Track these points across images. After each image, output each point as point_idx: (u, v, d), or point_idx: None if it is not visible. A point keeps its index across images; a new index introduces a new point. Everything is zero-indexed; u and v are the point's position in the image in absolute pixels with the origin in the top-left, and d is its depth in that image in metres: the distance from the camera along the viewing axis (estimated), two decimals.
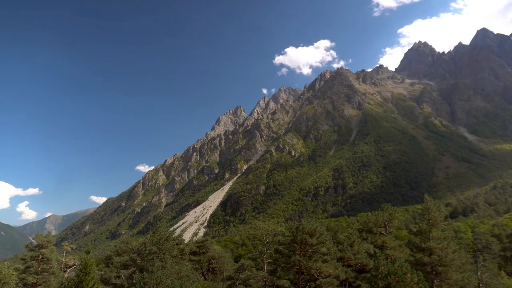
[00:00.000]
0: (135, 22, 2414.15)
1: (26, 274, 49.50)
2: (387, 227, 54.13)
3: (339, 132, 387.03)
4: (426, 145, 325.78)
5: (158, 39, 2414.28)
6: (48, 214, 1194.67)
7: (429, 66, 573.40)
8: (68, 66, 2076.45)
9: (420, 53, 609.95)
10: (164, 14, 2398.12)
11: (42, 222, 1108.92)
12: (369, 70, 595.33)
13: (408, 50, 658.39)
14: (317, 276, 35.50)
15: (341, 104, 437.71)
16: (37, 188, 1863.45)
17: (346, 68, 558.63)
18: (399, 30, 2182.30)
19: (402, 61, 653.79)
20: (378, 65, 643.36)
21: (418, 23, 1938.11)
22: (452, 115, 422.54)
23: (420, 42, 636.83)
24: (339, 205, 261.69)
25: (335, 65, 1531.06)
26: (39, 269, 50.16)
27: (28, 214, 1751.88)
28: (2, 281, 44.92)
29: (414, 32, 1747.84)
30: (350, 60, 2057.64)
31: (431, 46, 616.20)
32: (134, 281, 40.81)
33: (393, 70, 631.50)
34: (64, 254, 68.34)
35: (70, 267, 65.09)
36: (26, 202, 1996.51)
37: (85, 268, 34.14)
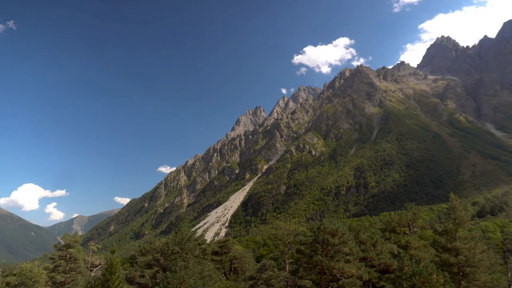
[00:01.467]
0: (155, 26, 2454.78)
1: (55, 273, 51.14)
2: (411, 226, 52.94)
3: (360, 131, 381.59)
4: (451, 142, 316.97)
5: (177, 42, 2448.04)
6: (75, 215, 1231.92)
7: (452, 61, 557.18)
8: (94, 71, 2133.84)
9: (443, 48, 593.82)
10: (182, 18, 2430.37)
11: (69, 223, 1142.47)
12: (390, 67, 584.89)
13: (431, 45, 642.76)
14: (340, 276, 35.13)
15: (361, 102, 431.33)
16: (64, 190, 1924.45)
17: (366, 66, 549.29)
18: (420, 26, 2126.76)
19: (424, 57, 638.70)
20: (399, 62, 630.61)
21: (440, 18, 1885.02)
22: (478, 111, 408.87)
23: (443, 36, 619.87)
24: (361, 204, 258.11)
25: (355, 63, 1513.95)
26: (67, 268, 51.73)
27: (56, 215, 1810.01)
28: (33, 279, 46.67)
29: (436, 27, 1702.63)
30: (370, 58, 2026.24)
31: (454, 40, 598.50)
32: (157, 281, 41.45)
33: (415, 66, 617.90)
34: (91, 253, 70.18)
35: (96, 266, 66.68)
36: (54, 204, 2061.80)
37: (110, 268, 34.97)
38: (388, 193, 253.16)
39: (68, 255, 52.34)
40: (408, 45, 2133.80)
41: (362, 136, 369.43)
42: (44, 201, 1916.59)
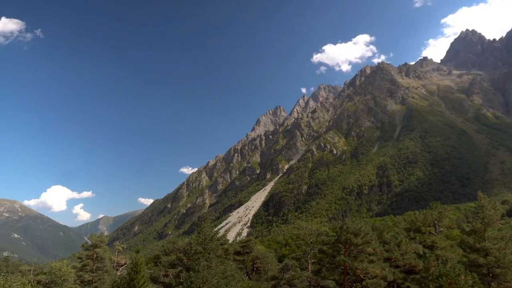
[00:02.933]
0: (174, 28, 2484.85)
1: (82, 272, 52.69)
2: (436, 226, 51.71)
3: (382, 129, 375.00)
4: (477, 139, 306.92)
5: (198, 44, 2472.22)
6: (101, 216, 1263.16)
7: (478, 55, 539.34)
8: (116, 75, 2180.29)
9: (468, 42, 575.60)
10: (200, 19, 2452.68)
11: (95, 223, 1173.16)
12: (412, 63, 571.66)
13: (455, 39, 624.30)
14: (363, 276, 34.69)
15: (383, 100, 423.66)
16: (90, 191, 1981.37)
17: (388, 63, 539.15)
18: (443, 20, 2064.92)
19: (448, 52, 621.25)
20: (421, 58, 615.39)
21: (464, 11, 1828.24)
22: (506, 106, 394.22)
23: (467, 30, 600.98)
24: (384, 203, 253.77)
25: (376, 60, 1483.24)
26: (94, 267, 53.20)
27: (83, 215, 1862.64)
28: (62, 278, 48.31)
29: (460, 21, 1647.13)
30: (392, 54, 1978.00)
31: (480, 33, 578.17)
32: (181, 280, 42.04)
33: (439, 61, 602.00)
34: (116, 253, 71.92)
35: (122, 265, 68.21)
36: (81, 205, 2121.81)
37: (135, 267, 35.72)
38: (412, 192, 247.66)
39: (95, 255, 53.81)
40: (430, 41, 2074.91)
41: (384, 134, 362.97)
42: (71, 202, 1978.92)
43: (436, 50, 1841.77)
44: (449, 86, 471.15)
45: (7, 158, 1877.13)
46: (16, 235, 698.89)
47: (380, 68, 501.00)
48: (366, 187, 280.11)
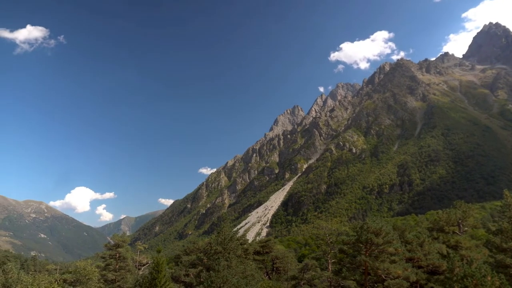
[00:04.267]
0: (188, 29, 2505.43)
1: (106, 271, 53.95)
2: (461, 225, 50.55)
3: (403, 126, 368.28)
4: (503, 135, 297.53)
5: (213, 44, 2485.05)
6: (123, 216, 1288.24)
7: (503, 49, 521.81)
8: (134, 77, 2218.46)
9: (491, 36, 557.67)
10: (215, 20, 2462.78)
11: (117, 223, 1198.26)
12: (433, 59, 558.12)
13: (477, 33, 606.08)
14: (385, 277, 34.18)
15: (403, 97, 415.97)
16: (113, 192, 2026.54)
17: (407, 59, 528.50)
18: (464, 14, 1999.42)
19: (470, 46, 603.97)
20: (442, 53, 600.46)
21: (485, 4, 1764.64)
22: None
23: (490, 23, 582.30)
24: (406, 202, 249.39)
25: (395, 57, 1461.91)
26: (117, 266, 54.35)
27: (105, 216, 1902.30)
28: (86, 277, 49.72)
29: (482, 15, 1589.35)
30: (411, 51, 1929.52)
31: (504, 26, 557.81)
32: (201, 280, 42.44)
33: (460, 56, 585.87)
34: (138, 253, 73.37)
35: (143, 265, 69.48)
36: (103, 205, 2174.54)
37: (157, 267, 36.34)
38: (435, 191, 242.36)
39: (117, 254, 54.95)
40: (451, 36, 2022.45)
41: (404, 132, 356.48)
42: (94, 203, 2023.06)
43: (457, 45, 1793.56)
44: (472, 81, 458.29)
45: (34, 161, 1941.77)
46: (42, 235, 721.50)
47: (399, 65, 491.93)
48: (387, 186, 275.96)
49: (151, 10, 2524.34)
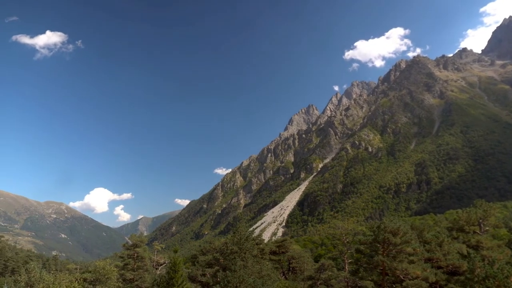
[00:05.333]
0: (202, 29, 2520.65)
1: (124, 270, 54.88)
2: (481, 225, 49.45)
3: (420, 124, 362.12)
4: None
5: (227, 43, 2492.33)
6: (140, 216, 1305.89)
7: None
8: (150, 78, 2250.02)
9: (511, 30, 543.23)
10: (229, 19, 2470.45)
11: (135, 224, 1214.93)
12: (450, 55, 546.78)
13: (497, 28, 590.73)
14: (403, 277, 33.79)
15: (420, 94, 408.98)
16: (130, 193, 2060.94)
17: (424, 56, 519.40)
18: (482, 9, 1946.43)
19: (489, 41, 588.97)
20: (460, 49, 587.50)
21: None
22: None
23: (510, 17, 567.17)
24: (424, 202, 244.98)
25: (411, 54, 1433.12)
26: (135, 266, 55.23)
27: (123, 216, 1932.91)
28: (106, 276, 50.74)
29: (501, 9, 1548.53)
30: (428, 47, 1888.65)
31: None
32: (218, 279, 42.75)
33: (479, 52, 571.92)
34: (155, 253, 74.35)
35: (161, 264, 70.29)
36: (121, 206, 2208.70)
37: (174, 266, 36.79)
38: (454, 190, 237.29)
39: (135, 254, 55.83)
40: (469, 31, 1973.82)
41: (422, 130, 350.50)
42: (112, 204, 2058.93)
43: (475, 40, 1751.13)
44: (491, 77, 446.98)
45: (54, 163, 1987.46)
46: (63, 235, 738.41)
47: (415, 62, 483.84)
48: (404, 185, 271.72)
49: (165, 10, 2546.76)
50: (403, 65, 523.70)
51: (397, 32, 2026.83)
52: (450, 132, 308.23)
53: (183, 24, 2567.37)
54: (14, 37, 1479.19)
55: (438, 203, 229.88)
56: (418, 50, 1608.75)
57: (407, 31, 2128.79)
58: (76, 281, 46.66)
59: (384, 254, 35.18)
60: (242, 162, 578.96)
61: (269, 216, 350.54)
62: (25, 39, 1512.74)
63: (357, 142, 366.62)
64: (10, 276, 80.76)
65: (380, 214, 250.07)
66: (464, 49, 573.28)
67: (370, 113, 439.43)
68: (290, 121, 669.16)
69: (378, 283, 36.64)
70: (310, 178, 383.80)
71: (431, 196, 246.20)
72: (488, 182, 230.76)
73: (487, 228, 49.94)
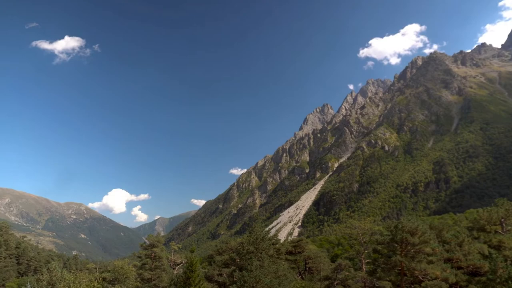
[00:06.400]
0: (216, 28, 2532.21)
1: (142, 270, 55.69)
2: (504, 224, 48.29)
3: (437, 122, 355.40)
4: None
5: (242, 44, 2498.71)
6: (157, 217, 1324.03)
7: None
8: (164, 80, 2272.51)
9: None
10: (244, 19, 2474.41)
11: (152, 224, 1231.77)
12: (469, 50, 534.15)
13: None
14: (422, 278, 33.27)
15: (437, 91, 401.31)
16: (147, 194, 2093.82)
17: (441, 52, 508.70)
18: (501, 3, 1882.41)
19: (509, 36, 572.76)
20: (479, 44, 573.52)
21: None
22: None
23: None
24: (443, 201, 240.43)
25: (427, 51, 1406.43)
26: (153, 266, 55.95)
27: (141, 217, 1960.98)
28: (124, 276, 51.75)
29: None
30: (445, 43, 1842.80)
31: None
32: (234, 279, 42.95)
33: (499, 47, 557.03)
34: (172, 252, 75.11)
35: (178, 264, 71.01)
36: (139, 207, 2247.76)
37: (191, 266, 37.18)
38: (474, 188, 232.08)
39: (153, 254, 56.54)
40: (487, 26, 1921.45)
41: (440, 128, 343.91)
42: (130, 204, 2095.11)
43: (495, 35, 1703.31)
44: None
45: (73, 165, 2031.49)
46: (82, 235, 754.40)
47: (432, 58, 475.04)
48: (422, 183, 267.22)
49: (179, 12, 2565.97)
50: (419, 62, 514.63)
51: (413, 29, 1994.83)
52: (470, 129, 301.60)
53: (197, 26, 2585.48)
54: (34, 43, 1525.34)
55: (458, 202, 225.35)
56: (435, 47, 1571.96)
57: (423, 27, 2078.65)
58: (96, 280, 47.62)
59: (402, 254, 34.67)
60: (257, 162, 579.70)
61: (284, 216, 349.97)
62: (45, 45, 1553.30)
63: (373, 141, 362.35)
64: (33, 275, 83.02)
65: (397, 213, 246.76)
66: (483, 44, 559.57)
67: (386, 111, 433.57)
68: (305, 121, 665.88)
69: (396, 283, 36.15)
70: (326, 177, 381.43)
71: (450, 195, 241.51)
72: (510, 180, 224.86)
73: (510, 227, 48.73)
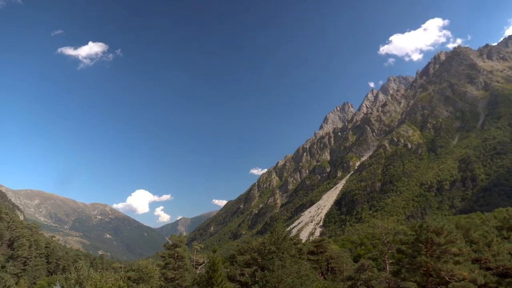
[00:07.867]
0: (240, 28, 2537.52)
1: (165, 269, 56.75)
2: None
3: (463, 118, 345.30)
4: None
5: (262, 43, 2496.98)
6: (179, 217, 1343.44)
7: None
8: (186, 81, 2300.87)
9: None
10: (268, 19, 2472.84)
11: (175, 224, 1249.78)
12: (495, 44, 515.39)
13: None
14: (449, 279, 32.45)
15: (462, 87, 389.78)
16: (169, 195, 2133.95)
17: (465, 46, 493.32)
18: None
19: None
20: (505, 37, 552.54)
21: None
22: None
23: None
24: (470, 199, 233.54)
25: (451, 46, 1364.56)
26: (175, 265, 56.88)
27: (163, 217, 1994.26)
28: (148, 275, 52.97)
29: None
30: (469, 37, 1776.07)
31: None
32: (256, 279, 43.14)
33: None
34: (195, 252, 76.09)
35: (200, 264, 71.84)
36: (161, 207, 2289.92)
37: (213, 266, 37.63)
38: (503, 186, 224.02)
39: (176, 254, 57.46)
40: None
41: (465, 124, 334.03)
42: (153, 205, 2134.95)
43: None
44: None
45: (99, 167, 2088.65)
46: (108, 236, 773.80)
47: (456, 53, 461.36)
48: (447, 182, 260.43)
49: (199, 11, 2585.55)
50: (442, 57, 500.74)
51: (435, 23, 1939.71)
52: (497, 125, 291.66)
53: (219, 25, 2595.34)
54: (59, 50, 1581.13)
55: (485, 200, 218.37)
56: (459, 41, 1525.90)
57: (446, 21, 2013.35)
58: (121, 279, 48.90)
59: (428, 254, 33.94)
60: (278, 162, 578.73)
61: (306, 215, 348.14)
62: (69, 51, 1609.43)
63: (395, 139, 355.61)
64: (62, 274, 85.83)
65: (422, 212, 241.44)
66: (510, 37, 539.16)
67: (408, 109, 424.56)
68: (325, 120, 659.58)
69: (421, 284, 35.41)
70: (347, 176, 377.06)
71: (477, 193, 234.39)
72: None
73: None
